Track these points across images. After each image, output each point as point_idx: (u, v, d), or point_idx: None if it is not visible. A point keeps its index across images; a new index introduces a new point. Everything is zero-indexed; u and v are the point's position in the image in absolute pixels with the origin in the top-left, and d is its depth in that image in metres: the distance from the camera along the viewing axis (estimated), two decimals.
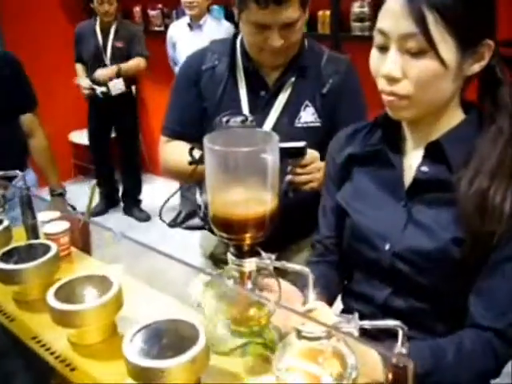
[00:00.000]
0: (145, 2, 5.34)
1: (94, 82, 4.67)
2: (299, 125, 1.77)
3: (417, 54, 1.03)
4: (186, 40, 4.32)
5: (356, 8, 3.63)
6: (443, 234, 1.10)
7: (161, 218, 1.81)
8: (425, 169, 1.16)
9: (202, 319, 0.99)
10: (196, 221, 1.90)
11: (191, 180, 1.69)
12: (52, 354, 1.13)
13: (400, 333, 0.72)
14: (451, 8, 1.00)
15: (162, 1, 5.21)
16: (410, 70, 1.04)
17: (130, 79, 4.82)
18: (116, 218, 5.18)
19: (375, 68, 1.11)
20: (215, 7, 4.53)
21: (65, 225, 1.53)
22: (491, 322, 1.07)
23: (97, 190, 5.11)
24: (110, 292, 1.15)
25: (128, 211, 5.25)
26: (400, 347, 0.72)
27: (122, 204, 5.36)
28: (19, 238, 1.49)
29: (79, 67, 4.79)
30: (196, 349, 0.94)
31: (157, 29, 5.26)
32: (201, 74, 1.83)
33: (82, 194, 2.66)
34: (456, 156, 1.11)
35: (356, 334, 0.76)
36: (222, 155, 0.86)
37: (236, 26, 3.99)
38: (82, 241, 1.70)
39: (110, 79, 4.65)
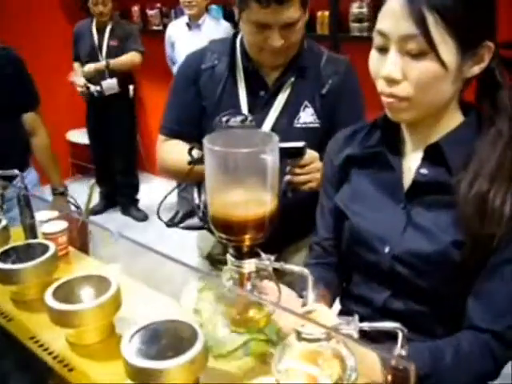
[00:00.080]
0: (143, 1, 5.34)
1: (90, 80, 4.67)
2: (298, 125, 1.77)
3: (417, 55, 1.02)
4: (184, 39, 4.32)
5: (355, 9, 3.63)
6: (443, 236, 1.09)
7: (159, 217, 1.81)
8: (424, 171, 1.15)
9: (200, 321, 0.98)
10: (194, 221, 1.90)
11: (189, 179, 1.69)
12: (50, 354, 1.13)
13: (400, 335, 0.72)
14: (451, 9, 1.00)
15: (160, 0, 5.21)
16: (410, 71, 1.04)
17: (127, 78, 4.83)
18: (114, 218, 5.18)
19: (375, 69, 1.10)
20: (214, 7, 4.53)
21: (63, 224, 1.53)
22: (489, 325, 1.07)
23: (97, 190, 5.11)
24: (108, 292, 1.15)
25: (125, 211, 5.25)
26: (400, 349, 0.72)
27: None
28: (17, 238, 1.49)
29: (77, 66, 4.79)
30: (195, 349, 0.94)
31: (155, 28, 5.26)
32: (200, 73, 1.83)
33: (81, 193, 2.66)
34: (455, 158, 1.11)
35: (356, 335, 0.76)
36: (221, 156, 0.86)
37: (235, 25, 4.01)
38: (80, 240, 1.70)
39: (103, 78, 4.65)
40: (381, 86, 1.09)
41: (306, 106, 1.77)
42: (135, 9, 5.41)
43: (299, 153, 1.55)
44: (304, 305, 0.84)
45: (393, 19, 1.03)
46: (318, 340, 0.76)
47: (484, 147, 1.09)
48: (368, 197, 1.24)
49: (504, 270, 1.07)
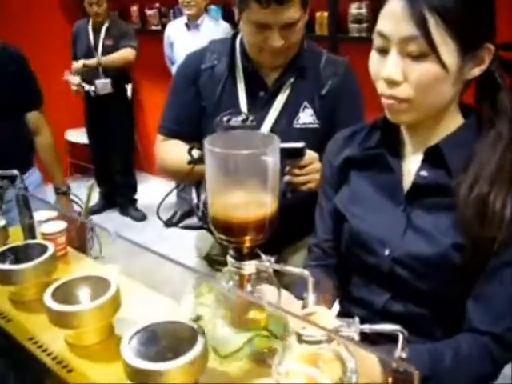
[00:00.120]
0: (142, 1, 5.34)
1: (86, 80, 4.67)
2: (297, 126, 1.77)
3: (417, 57, 1.02)
4: (183, 40, 4.32)
5: (354, 9, 3.63)
6: (443, 239, 1.09)
7: (159, 217, 1.81)
8: (424, 173, 1.15)
9: (202, 326, 0.98)
10: (193, 220, 1.90)
11: (188, 179, 1.69)
12: (49, 355, 1.12)
13: (400, 337, 0.72)
14: (452, 11, 0.99)
15: (159, 0, 5.20)
16: (410, 73, 1.03)
17: (122, 78, 4.83)
18: (112, 218, 5.18)
19: (375, 71, 1.10)
20: (213, 7, 4.53)
21: (62, 224, 1.53)
22: (488, 327, 1.07)
23: (96, 190, 5.11)
24: (107, 293, 1.14)
25: (124, 210, 5.25)
26: (400, 352, 0.72)
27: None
28: (16, 238, 1.48)
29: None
30: (194, 351, 0.94)
31: (154, 28, 5.26)
32: (200, 73, 1.83)
33: (79, 192, 2.66)
34: (455, 160, 1.11)
35: (357, 338, 0.76)
36: (222, 157, 0.86)
37: (234, 26, 4.01)
38: (78, 241, 1.69)
39: (97, 77, 4.65)
40: (381, 87, 1.08)
41: (305, 107, 1.77)
42: (134, 9, 5.42)
43: (299, 153, 1.55)
44: (304, 307, 0.84)
45: (393, 21, 1.03)
46: (318, 342, 0.76)
47: (484, 149, 1.08)
48: (367, 199, 1.24)
49: (504, 273, 1.07)
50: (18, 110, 2.55)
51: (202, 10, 4.29)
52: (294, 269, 0.93)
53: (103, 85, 4.67)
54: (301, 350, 0.78)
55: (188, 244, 2.39)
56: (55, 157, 2.76)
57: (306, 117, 1.77)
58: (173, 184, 4.57)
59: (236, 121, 1.51)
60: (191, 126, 1.84)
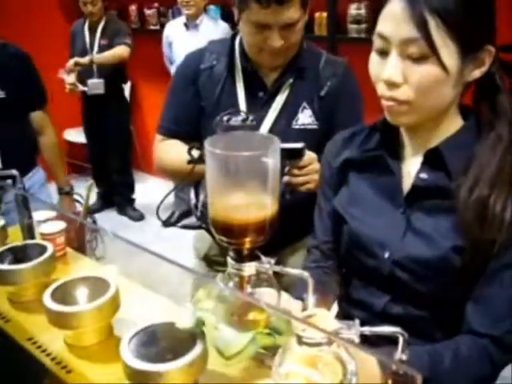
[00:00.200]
0: (141, 0, 5.33)
1: (81, 80, 4.67)
2: (296, 126, 1.77)
3: (418, 59, 1.01)
4: (182, 39, 4.32)
5: (353, 10, 3.62)
6: (443, 242, 1.09)
7: (158, 217, 1.81)
8: (424, 176, 1.15)
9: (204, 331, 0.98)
10: (191, 220, 1.90)
11: (188, 179, 1.68)
12: (48, 355, 1.13)
13: (400, 339, 0.72)
14: (453, 12, 0.99)
15: (158, 0, 5.20)
16: (411, 75, 1.03)
17: (118, 77, 4.83)
18: (110, 217, 5.17)
19: (375, 73, 1.10)
20: (212, 7, 4.53)
21: (61, 225, 1.53)
22: (488, 329, 1.07)
23: (94, 189, 5.11)
24: (107, 294, 1.14)
25: (121, 210, 5.25)
26: (400, 354, 0.72)
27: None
28: (15, 238, 1.48)
29: None
30: (194, 352, 0.94)
31: (152, 28, 5.25)
32: (199, 73, 1.83)
33: (78, 192, 2.67)
34: (455, 163, 1.11)
35: (357, 340, 0.76)
36: (222, 159, 0.86)
37: (233, 26, 4.00)
38: (77, 241, 1.69)
39: (91, 77, 4.65)
40: (381, 89, 1.08)
41: (304, 108, 1.77)
42: (132, 8, 5.41)
43: (298, 154, 1.55)
44: (304, 309, 0.84)
45: (393, 22, 1.03)
46: (318, 344, 0.76)
47: (484, 152, 1.08)
48: (367, 201, 1.24)
49: (503, 276, 1.06)
50: (23, 109, 2.55)
51: (201, 10, 4.28)
52: (293, 270, 0.93)
53: (94, 85, 4.67)
54: (301, 352, 0.78)
55: (186, 244, 2.39)
56: (59, 156, 2.77)
57: (305, 117, 1.77)
58: (171, 184, 4.57)
59: (236, 120, 1.51)
60: (190, 126, 1.84)
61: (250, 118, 1.52)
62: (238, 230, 0.88)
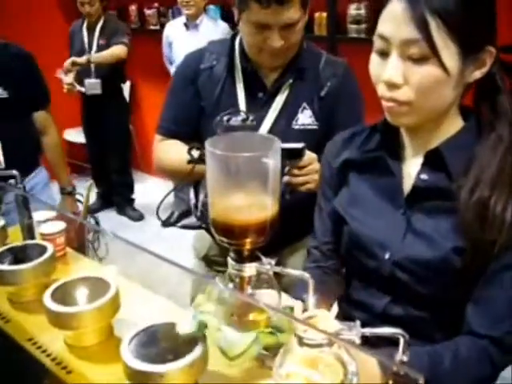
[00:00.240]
0: (141, 0, 5.33)
1: (79, 79, 4.68)
2: (296, 127, 1.77)
3: (419, 60, 1.01)
4: (182, 39, 4.32)
5: (352, 10, 3.62)
6: (443, 243, 1.09)
7: (158, 217, 1.81)
8: (424, 176, 1.15)
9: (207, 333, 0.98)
10: (191, 220, 1.90)
11: (187, 179, 1.68)
12: (48, 356, 1.13)
13: (401, 341, 0.72)
14: (453, 13, 0.99)
15: (158, 0, 5.20)
16: (411, 76, 1.03)
17: (117, 76, 4.83)
18: (110, 217, 5.17)
19: (375, 73, 1.09)
20: (212, 7, 4.53)
21: (61, 225, 1.52)
22: (488, 330, 1.07)
23: (94, 189, 5.11)
24: (107, 294, 1.14)
25: (121, 210, 5.25)
26: (401, 355, 0.72)
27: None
28: (15, 238, 1.48)
29: None
30: (194, 353, 0.94)
31: (152, 28, 5.25)
32: (199, 73, 1.83)
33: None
34: (455, 164, 1.10)
35: (358, 341, 0.75)
36: (223, 160, 0.86)
37: (233, 26, 4.00)
38: (77, 241, 1.69)
39: (89, 77, 4.66)
40: (381, 90, 1.08)
41: (304, 108, 1.77)
42: (132, 8, 5.41)
43: (298, 154, 1.55)
44: (305, 310, 0.84)
45: (394, 23, 1.02)
46: (319, 346, 0.76)
47: (484, 152, 1.08)
48: (367, 201, 1.23)
49: (504, 277, 1.06)
50: (25, 109, 2.55)
51: (201, 10, 4.28)
52: (294, 271, 0.92)
53: (92, 85, 4.67)
54: (302, 353, 0.78)
55: (186, 244, 2.40)
56: (62, 157, 2.77)
57: (305, 118, 1.77)
58: (170, 183, 4.58)
59: (236, 120, 1.51)
60: (190, 126, 1.84)
61: (250, 118, 1.52)
62: (239, 231, 0.88)
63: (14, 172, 1.43)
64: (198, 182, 1.80)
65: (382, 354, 0.64)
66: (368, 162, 1.24)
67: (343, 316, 1.31)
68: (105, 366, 1.09)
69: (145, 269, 1.72)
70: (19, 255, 1.35)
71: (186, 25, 4.33)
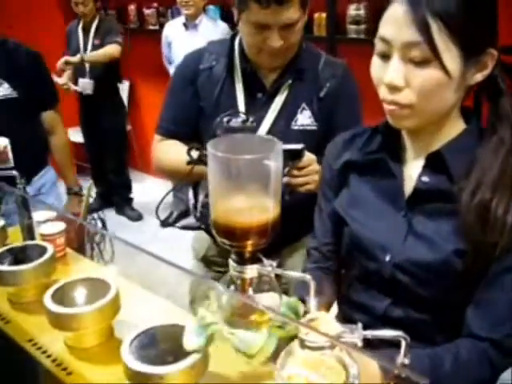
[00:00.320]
0: (140, 0, 5.32)
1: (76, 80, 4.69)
2: (295, 127, 1.77)
3: (420, 63, 1.01)
4: (181, 39, 4.31)
5: (352, 10, 3.62)
6: (445, 245, 1.09)
7: (157, 217, 1.81)
8: (425, 179, 1.14)
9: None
10: (190, 220, 1.90)
11: (187, 179, 1.68)
12: (48, 357, 1.13)
13: (403, 343, 0.72)
14: (455, 16, 0.98)
15: (157, 0, 5.20)
16: (413, 79, 1.02)
17: (112, 76, 4.82)
18: (108, 217, 5.14)
19: (377, 76, 1.09)
20: (211, 7, 4.52)
21: (61, 225, 1.52)
22: (488, 333, 1.07)
23: (93, 190, 5.11)
24: (107, 295, 1.14)
25: (120, 210, 5.24)
26: (402, 358, 0.72)
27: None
28: (15, 239, 1.48)
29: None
30: (195, 354, 0.94)
31: (152, 28, 5.24)
32: (198, 73, 1.83)
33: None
34: (457, 166, 1.10)
35: (360, 344, 0.75)
36: (224, 162, 0.85)
37: (232, 26, 4.00)
38: (77, 241, 1.69)
39: (83, 76, 4.66)
40: (383, 93, 1.08)
41: (303, 109, 1.77)
42: (132, 8, 5.40)
43: (298, 155, 1.55)
44: (306, 312, 0.84)
45: (395, 26, 1.02)
46: (321, 348, 0.76)
47: (486, 155, 1.08)
48: (368, 203, 1.23)
49: (504, 279, 1.06)
50: (34, 108, 2.56)
51: (200, 10, 4.28)
52: (296, 273, 0.92)
53: (85, 84, 4.68)
54: (303, 356, 0.78)
55: (185, 244, 2.39)
56: (69, 157, 2.79)
57: (304, 118, 1.77)
58: (169, 183, 4.57)
59: (236, 122, 1.51)
60: (189, 127, 1.85)
61: (251, 119, 1.52)
62: (240, 233, 0.88)
63: (14, 172, 1.43)
64: (197, 183, 1.80)
65: (383, 356, 0.64)
66: (369, 163, 1.24)
67: (343, 318, 1.30)
68: (105, 367, 1.09)
69: (144, 269, 1.72)
70: (19, 256, 1.35)
71: (185, 25, 4.33)
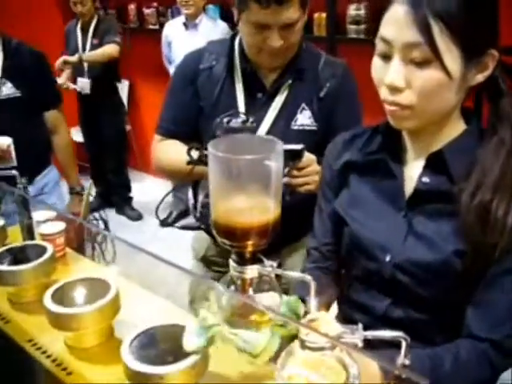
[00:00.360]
0: (140, 0, 5.32)
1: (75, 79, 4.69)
2: (295, 127, 1.77)
3: (421, 63, 1.00)
4: (181, 39, 4.31)
5: (352, 10, 3.62)
6: (444, 245, 1.09)
7: (157, 217, 1.81)
8: (426, 179, 1.14)
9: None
10: (190, 220, 1.90)
11: (187, 179, 1.69)
12: (48, 357, 1.12)
13: (403, 344, 0.72)
14: (456, 17, 0.98)
15: None
16: (414, 80, 1.02)
17: (110, 76, 4.82)
18: (109, 217, 5.15)
19: (378, 77, 1.09)
20: (211, 7, 4.52)
21: (60, 225, 1.52)
22: (488, 334, 1.07)
23: (93, 189, 5.11)
24: (107, 295, 1.14)
25: (120, 210, 5.24)
26: (403, 358, 0.72)
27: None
28: (15, 239, 1.48)
29: None
30: (195, 354, 0.94)
31: (152, 27, 5.24)
32: (198, 73, 1.83)
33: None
34: (457, 167, 1.10)
35: (360, 345, 0.75)
36: (225, 162, 0.85)
37: (232, 26, 4.00)
38: (77, 241, 1.69)
39: (81, 76, 4.67)
40: (384, 93, 1.07)
41: (303, 109, 1.77)
42: (131, 7, 5.40)
43: (298, 155, 1.55)
44: (306, 312, 0.84)
45: (396, 26, 1.02)
46: (321, 349, 0.76)
47: (486, 156, 1.08)
48: (368, 204, 1.23)
49: (504, 280, 1.06)
50: (37, 108, 2.56)
51: (200, 10, 4.28)
52: (296, 273, 0.92)
53: (83, 84, 4.69)
54: (304, 356, 0.78)
55: (184, 244, 2.40)
56: (72, 156, 2.79)
57: (304, 118, 1.77)
58: (169, 183, 4.57)
59: (236, 122, 1.51)
60: (189, 126, 1.84)
61: (251, 119, 1.52)
62: (241, 234, 0.88)
63: (14, 172, 1.43)
64: (196, 183, 1.80)
65: (383, 357, 0.64)
66: (369, 164, 1.24)
67: (343, 318, 1.30)
68: (105, 367, 1.09)
69: (144, 269, 1.72)
70: (19, 256, 1.35)
71: (185, 24, 4.33)
